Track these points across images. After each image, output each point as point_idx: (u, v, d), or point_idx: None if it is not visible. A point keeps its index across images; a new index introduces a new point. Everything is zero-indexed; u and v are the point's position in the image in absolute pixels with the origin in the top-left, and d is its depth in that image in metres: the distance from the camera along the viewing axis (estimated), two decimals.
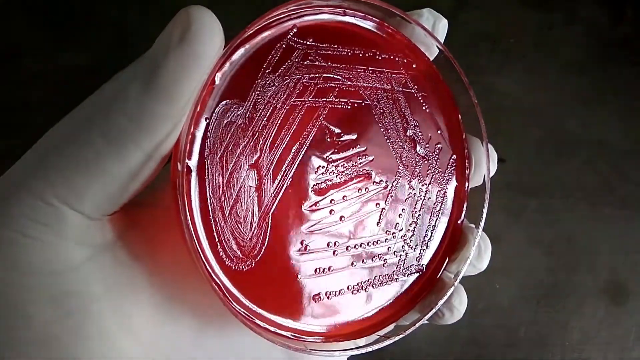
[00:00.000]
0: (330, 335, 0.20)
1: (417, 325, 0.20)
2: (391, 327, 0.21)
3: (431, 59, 0.21)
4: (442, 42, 0.21)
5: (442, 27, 0.21)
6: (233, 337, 0.21)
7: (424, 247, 0.21)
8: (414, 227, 0.21)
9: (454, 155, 0.21)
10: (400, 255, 0.21)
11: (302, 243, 0.19)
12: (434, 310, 0.21)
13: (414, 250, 0.21)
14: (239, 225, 0.19)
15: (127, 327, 0.18)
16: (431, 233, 0.21)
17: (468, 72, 0.33)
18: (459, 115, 0.21)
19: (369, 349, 0.20)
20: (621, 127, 0.32)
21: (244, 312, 0.19)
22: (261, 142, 0.19)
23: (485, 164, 0.22)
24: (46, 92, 0.31)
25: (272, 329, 0.19)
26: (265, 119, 0.19)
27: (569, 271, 0.31)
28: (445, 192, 0.21)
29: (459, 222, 0.22)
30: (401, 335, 0.20)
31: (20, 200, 0.17)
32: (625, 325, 0.31)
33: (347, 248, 0.20)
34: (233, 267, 0.19)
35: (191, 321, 0.20)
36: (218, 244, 0.19)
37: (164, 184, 0.19)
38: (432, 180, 0.21)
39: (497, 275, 0.31)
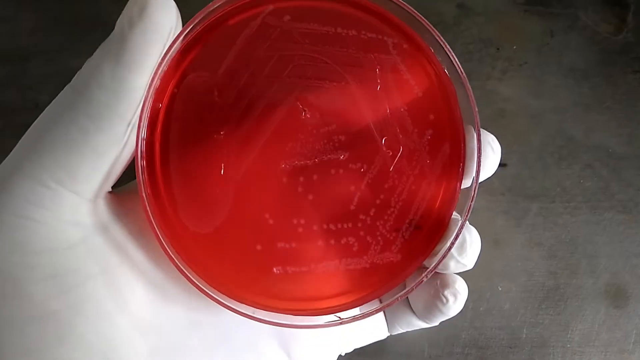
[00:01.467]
0: (285, 309, 0.20)
1: (372, 314, 0.19)
2: (355, 311, 0.20)
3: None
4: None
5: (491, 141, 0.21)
6: (226, 323, 0.21)
7: (402, 237, 0.20)
8: (392, 215, 0.19)
9: (447, 145, 0.20)
10: (373, 241, 0.19)
11: (266, 215, 0.19)
12: (392, 302, 0.19)
13: (390, 239, 0.20)
14: (202, 191, 0.19)
15: (123, 307, 0.19)
16: (411, 223, 0.20)
17: (471, 78, 0.34)
18: (457, 103, 0.20)
19: (322, 328, 0.19)
20: (622, 132, 0.33)
21: (194, 274, 0.19)
22: (231, 114, 0.19)
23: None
24: (54, 94, 0.31)
25: (222, 295, 0.19)
26: (235, 92, 0.19)
27: (570, 274, 0.31)
28: (432, 183, 0.20)
29: (448, 215, 0.20)
30: (355, 321, 0.19)
31: (18, 185, 0.18)
32: (625, 328, 0.31)
33: (314, 226, 0.19)
34: (191, 229, 0.19)
35: (185, 306, 0.21)
36: (179, 206, 0.19)
37: None
38: (419, 169, 0.19)
39: (499, 277, 0.31)
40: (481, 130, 0.20)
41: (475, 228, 0.22)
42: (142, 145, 0.18)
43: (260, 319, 0.19)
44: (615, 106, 0.33)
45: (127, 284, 0.19)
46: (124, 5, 0.32)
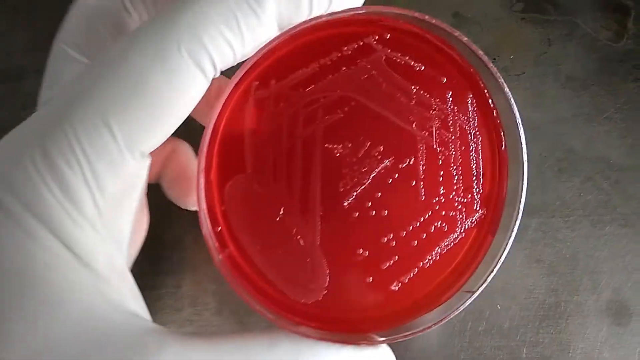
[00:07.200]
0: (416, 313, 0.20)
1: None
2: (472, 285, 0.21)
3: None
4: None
5: None
6: None
7: (477, 191, 0.20)
8: (460, 181, 0.20)
9: (470, 94, 0.20)
10: (457, 212, 0.20)
11: (359, 252, 0.20)
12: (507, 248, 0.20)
13: (469, 201, 0.20)
14: (296, 269, 0.20)
15: None
16: (478, 177, 0.21)
17: None
18: (458, 52, 0.20)
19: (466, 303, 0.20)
20: (623, 143, 0.32)
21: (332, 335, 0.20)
22: (278, 197, 0.20)
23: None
24: None
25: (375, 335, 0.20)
26: (272, 175, 0.20)
27: (571, 291, 0.31)
28: (476, 129, 0.20)
29: (502, 148, 0.21)
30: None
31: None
32: (628, 346, 0.30)
33: (402, 233, 0.20)
34: (305, 301, 0.20)
35: None
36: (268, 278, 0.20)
37: None
38: (459, 129, 0.20)
39: (498, 295, 0.31)
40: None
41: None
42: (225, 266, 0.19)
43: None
44: (616, 116, 0.32)
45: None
46: None
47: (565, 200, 0.31)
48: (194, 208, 0.26)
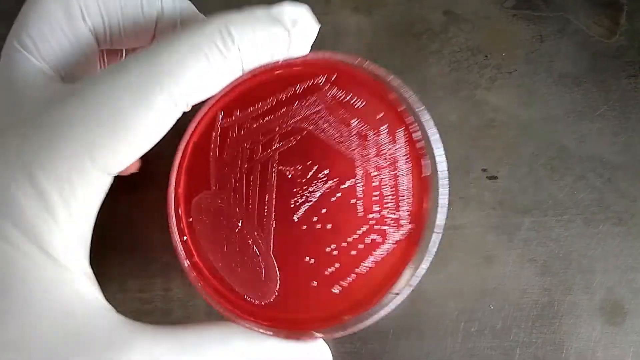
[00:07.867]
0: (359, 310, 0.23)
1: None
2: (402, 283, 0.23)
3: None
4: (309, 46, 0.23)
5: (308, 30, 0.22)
6: None
7: (406, 209, 0.24)
8: (393, 199, 0.23)
9: (401, 128, 0.24)
10: (388, 226, 0.23)
11: (306, 260, 0.23)
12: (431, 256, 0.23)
13: (399, 215, 0.23)
14: (252, 274, 0.23)
15: None
16: (406, 195, 0.24)
17: (459, 88, 0.32)
18: (393, 91, 0.23)
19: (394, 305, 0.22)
20: (616, 141, 0.32)
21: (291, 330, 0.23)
22: (237, 211, 0.23)
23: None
24: None
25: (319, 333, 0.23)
26: (232, 193, 0.23)
27: (564, 290, 0.30)
28: (407, 158, 0.24)
29: (427, 174, 0.24)
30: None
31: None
32: (622, 346, 0.30)
33: (343, 244, 0.23)
34: (259, 302, 0.23)
35: None
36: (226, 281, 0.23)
37: None
38: (390, 157, 0.24)
39: (491, 296, 0.30)
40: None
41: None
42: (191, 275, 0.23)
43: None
44: (609, 113, 0.32)
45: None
46: None
47: (558, 199, 0.31)
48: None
